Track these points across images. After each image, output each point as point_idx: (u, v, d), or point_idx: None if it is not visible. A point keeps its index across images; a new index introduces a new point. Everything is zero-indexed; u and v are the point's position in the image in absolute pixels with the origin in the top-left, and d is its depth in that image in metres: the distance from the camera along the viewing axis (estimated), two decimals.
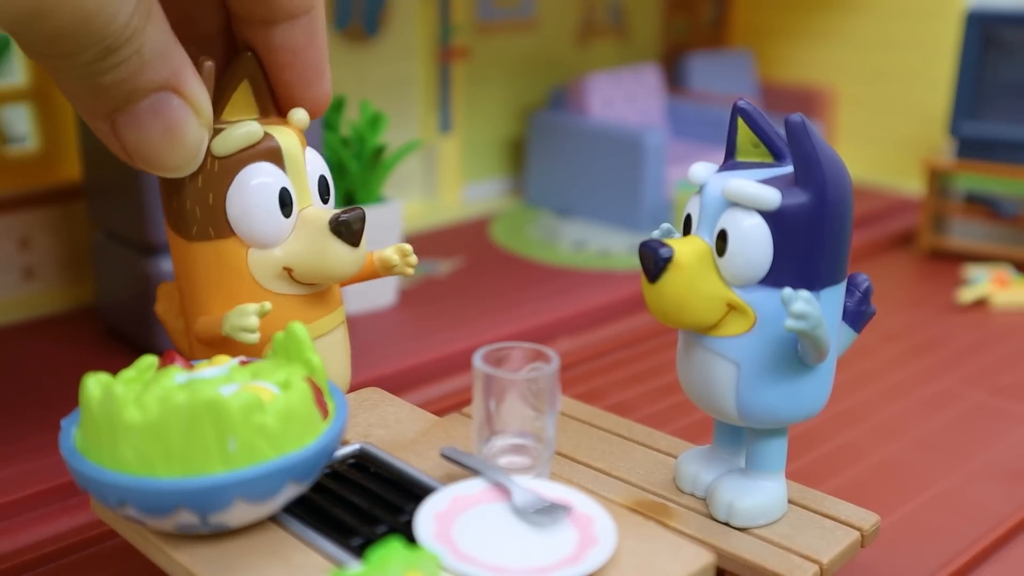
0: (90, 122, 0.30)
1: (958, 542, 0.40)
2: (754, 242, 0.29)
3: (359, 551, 0.28)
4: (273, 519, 0.29)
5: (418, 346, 0.54)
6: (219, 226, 0.33)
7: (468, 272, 0.67)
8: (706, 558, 0.28)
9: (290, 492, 0.28)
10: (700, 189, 0.31)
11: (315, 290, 0.35)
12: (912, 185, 0.88)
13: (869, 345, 0.58)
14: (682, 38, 0.98)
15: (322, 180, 0.35)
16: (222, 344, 0.34)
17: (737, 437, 0.34)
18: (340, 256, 0.34)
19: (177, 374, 0.29)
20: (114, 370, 0.29)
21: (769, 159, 0.31)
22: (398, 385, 0.50)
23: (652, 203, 0.76)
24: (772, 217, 0.29)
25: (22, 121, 0.60)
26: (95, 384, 0.27)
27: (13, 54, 0.60)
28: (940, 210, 0.76)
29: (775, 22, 0.99)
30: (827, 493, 0.34)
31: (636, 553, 0.27)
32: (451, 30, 0.78)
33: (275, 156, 0.33)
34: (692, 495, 0.33)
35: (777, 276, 0.29)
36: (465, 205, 0.82)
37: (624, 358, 0.57)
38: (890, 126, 0.92)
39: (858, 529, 0.32)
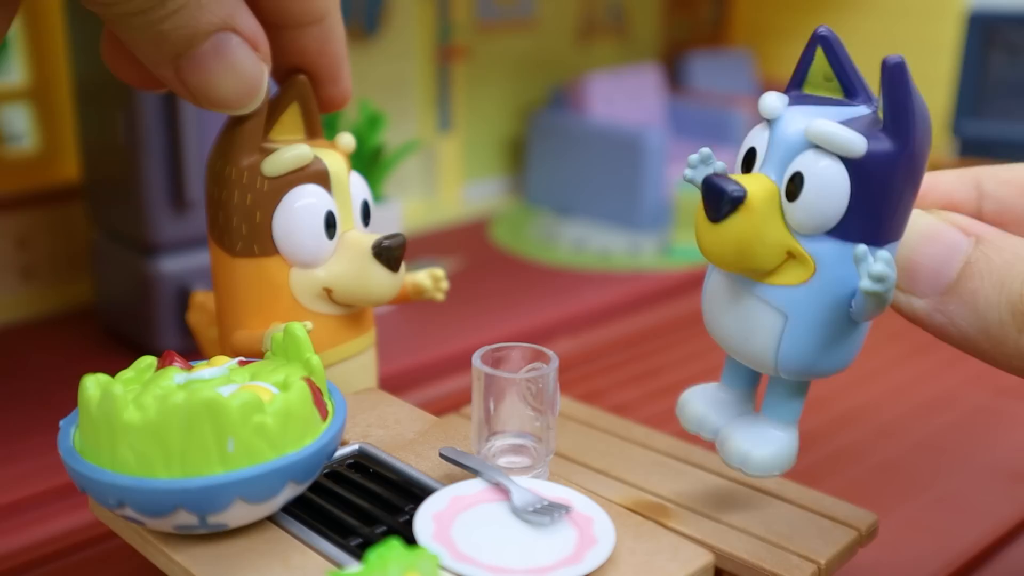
0: (154, 69, 0.31)
1: (958, 542, 0.39)
2: (833, 189, 0.27)
3: (358, 551, 0.28)
4: (272, 519, 0.29)
5: (417, 346, 0.54)
6: (264, 244, 0.34)
7: (468, 272, 0.67)
8: (705, 558, 0.28)
9: (289, 492, 0.28)
10: (770, 123, 0.28)
11: (351, 311, 0.36)
12: None
13: (870, 345, 0.58)
14: (682, 37, 0.98)
15: (364, 204, 0.36)
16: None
17: (752, 380, 0.32)
18: (380, 280, 0.34)
19: (176, 374, 0.29)
20: (113, 370, 0.29)
21: (839, 95, 0.28)
22: (397, 385, 0.50)
23: (652, 203, 0.76)
24: (853, 164, 0.27)
25: (20, 120, 0.60)
26: (93, 384, 0.27)
27: (11, 53, 0.60)
28: None
29: (775, 21, 0.99)
30: (827, 493, 0.34)
31: (635, 553, 0.27)
32: (451, 29, 0.78)
33: (323, 179, 0.34)
34: (698, 436, 0.32)
35: (846, 228, 0.27)
36: (465, 205, 0.82)
37: (623, 359, 0.57)
38: None
39: (856, 529, 0.32)
